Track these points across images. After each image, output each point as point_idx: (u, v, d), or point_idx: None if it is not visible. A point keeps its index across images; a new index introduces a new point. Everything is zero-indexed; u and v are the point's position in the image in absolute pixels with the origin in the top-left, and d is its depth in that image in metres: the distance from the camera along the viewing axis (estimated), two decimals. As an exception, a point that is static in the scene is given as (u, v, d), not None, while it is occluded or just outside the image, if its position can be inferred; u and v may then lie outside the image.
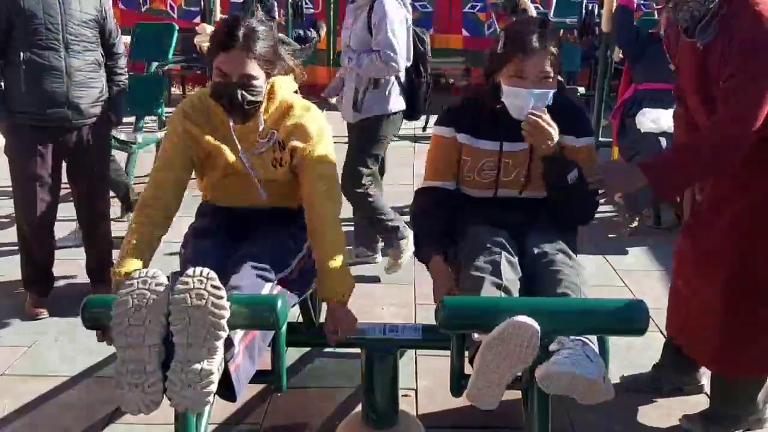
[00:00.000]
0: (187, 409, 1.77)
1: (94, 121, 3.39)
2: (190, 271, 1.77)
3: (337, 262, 2.13)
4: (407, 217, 2.90)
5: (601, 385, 1.80)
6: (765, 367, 2.40)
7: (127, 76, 3.61)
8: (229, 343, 1.86)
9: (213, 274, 1.77)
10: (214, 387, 1.75)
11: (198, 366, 1.71)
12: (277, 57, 2.19)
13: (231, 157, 2.22)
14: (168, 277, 1.88)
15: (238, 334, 1.93)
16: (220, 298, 1.74)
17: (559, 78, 2.26)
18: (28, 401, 2.67)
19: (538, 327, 1.76)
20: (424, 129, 4.41)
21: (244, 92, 2.09)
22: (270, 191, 2.30)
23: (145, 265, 2.06)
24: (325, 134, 2.27)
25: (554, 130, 2.14)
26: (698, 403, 2.65)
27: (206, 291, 1.73)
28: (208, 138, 2.21)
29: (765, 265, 2.28)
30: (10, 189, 3.45)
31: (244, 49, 2.07)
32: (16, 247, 3.55)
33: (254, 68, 2.10)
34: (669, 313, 2.61)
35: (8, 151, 3.37)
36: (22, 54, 3.18)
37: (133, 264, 2.03)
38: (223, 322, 1.74)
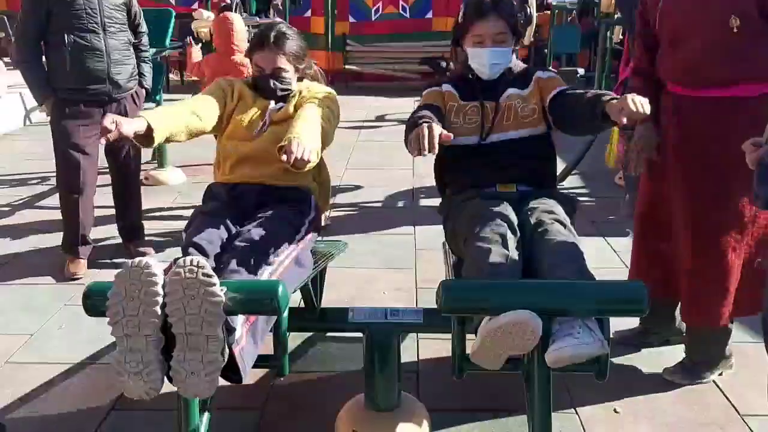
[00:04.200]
0: (195, 396, 1.79)
1: (130, 93, 3.81)
2: (181, 261, 1.75)
3: (308, 123, 2.26)
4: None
5: (602, 349, 1.85)
6: (718, 317, 2.57)
7: (150, 53, 4.04)
8: (230, 328, 1.87)
9: (203, 262, 1.75)
10: (218, 373, 1.76)
11: (200, 354, 1.72)
12: (304, 54, 2.56)
13: (256, 106, 2.50)
14: (172, 262, 1.87)
15: (241, 318, 1.94)
16: (212, 285, 1.72)
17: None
18: (30, 388, 2.68)
19: (540, 322, 1.78)
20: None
21: (276, 82, 2.49)
22: (274, 134, 2.40)
23: (166, 127, 2.18)
24: (334, 98, 2.54)
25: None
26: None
27: (198, 281, 1.71)
28: (241, 87, 2.55)
29: (713, 215, 2.46)
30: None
31: (275, 47, 2.46)
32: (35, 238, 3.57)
33: (284, 63, 2.49)
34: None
35: (53, 125, 3.72)
36: (66, 37, 3.53)
37: (155, 118, 2.14)
38: (219, 309, 1.73)
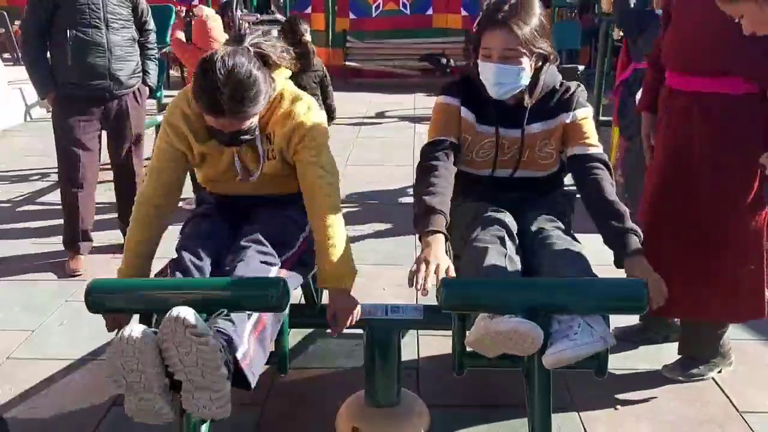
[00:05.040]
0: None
1: (132, 90, 3.81)
2: (166, 319, 1.70)
3: (337, 248, 2.09)
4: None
5: (603, 346, 1.86)
6: (675, 309, 2.53)
7: (157, 50, 4.04)
8: (233, 347, 1.83)
9: (189, 318, 1.68)
10: (228, 398, 1.77)
11: (207, 393, 1.74)
12: (267, 90, 2.04)
13: (225, 157, 2.21)
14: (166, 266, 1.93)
15: (249, 327, 1.91)
16: (205, 344, 1.69)
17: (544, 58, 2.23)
18: (31, 385, 2.68)
19: (541, 333, 1.78)
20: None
21: (239, 138, 2.07)
22: (264, 182, 2.27)
23: (146, 265, 2.19)
24: (316, 123, 2.18)
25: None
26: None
27: (188, 339, 1.69)
28: (200, 146, 2.18)
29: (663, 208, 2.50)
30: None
31: (231, 115, 1.98)
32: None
33: (246, 123, 2.04)
34: None
35: (55, 120, 3.76)
36: (68, 32, 3.56)
37: (134, 266, 2.17)
38: (215, 356, 1.71)
